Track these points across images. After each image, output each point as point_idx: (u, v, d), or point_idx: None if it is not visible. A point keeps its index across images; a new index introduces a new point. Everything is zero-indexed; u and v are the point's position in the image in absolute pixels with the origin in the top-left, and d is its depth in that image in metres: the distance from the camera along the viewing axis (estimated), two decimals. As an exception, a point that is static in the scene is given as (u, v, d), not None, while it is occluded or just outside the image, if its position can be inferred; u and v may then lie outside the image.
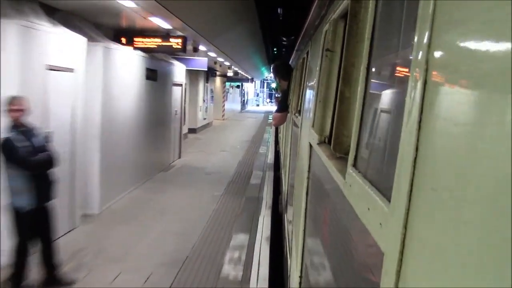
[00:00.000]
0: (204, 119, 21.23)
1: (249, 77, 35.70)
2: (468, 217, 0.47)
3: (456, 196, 0.51)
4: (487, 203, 0.43)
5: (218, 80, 28.42)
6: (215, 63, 16.74)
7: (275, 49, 33.24)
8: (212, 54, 12.13)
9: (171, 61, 10.09)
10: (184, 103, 14.32)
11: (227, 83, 30.24)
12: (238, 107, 39.29)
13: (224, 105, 29.71)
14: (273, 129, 20.01)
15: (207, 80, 21.84)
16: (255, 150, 14.03)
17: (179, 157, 11.13)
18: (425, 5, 0.66)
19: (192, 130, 18.16)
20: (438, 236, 0.56)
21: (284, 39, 17.35)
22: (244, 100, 45.15)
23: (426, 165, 0.61)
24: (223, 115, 29.64)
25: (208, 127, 22.20)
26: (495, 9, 0.45)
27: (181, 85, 11.06)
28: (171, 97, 10.08)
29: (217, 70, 23.60)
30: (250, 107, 54.03)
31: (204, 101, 20.94)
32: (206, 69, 12.67)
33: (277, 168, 10.72)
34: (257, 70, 32.57)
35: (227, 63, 17.45)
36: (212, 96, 24.69)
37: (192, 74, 17.50)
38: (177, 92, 10.79)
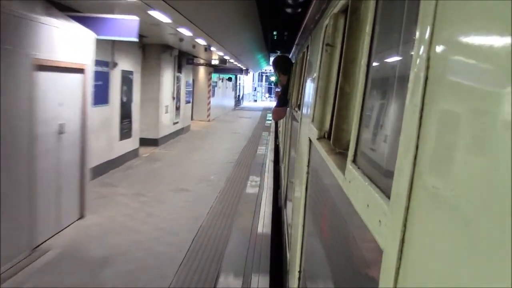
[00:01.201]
0: (175, 123, 16.80)
1: (243, 68, 30.85)
2: (468, 216, 0.50)
3: (457, 195, 0.54)
4: (488, 202, 0.46)
5: (201, 70, 24.18)
6: (181, 40, 12.21)
7: (275, 32, 28.81)
8: (165, 19, 7.53)
9: (36, 15, 5.16)
10: (126, 101, 10.64)
11: (214, 75, 26.05)
12: (231, 103, 36.57)
13: (209, 103, 24.92)
14: (271, 137, 16.66)
15: (179, 68, 17.04)
16: (240, 187, 8.89)
17: (81, 216, 6.31)
18: (427, 1, 0.69)
19: (149, 142, 13.84)
20: (438, 234, 0.58)
21: (291, 2, 13.45)
22: (239, 95, 43.45)
23: (426, 163, 0.64)
24: (208, 115, 24.98)
25: (181, 134, 17.76)
26: (498, 5, 0.48)
27: (81, 70, 6.24)
28: (28, 98, 5.08)
29: (196, 56, 18.98)
30: (246, 103, 52.70)
31: (174, 98, 16.16)
32: (135, 39, 7.02)
33: (276, 161, 10.51)
34: (253, 59, 28.47)
35: (201, 41, 12.79)
36: (191, 91, 20.09)
37: (150, 58, 13.56)
38: (62, 85, 5.81)
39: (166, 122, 14.82)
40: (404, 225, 0.68)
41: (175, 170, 10.44)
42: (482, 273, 0.45)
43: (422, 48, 0.68)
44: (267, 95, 66.05)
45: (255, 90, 63.97)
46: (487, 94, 0.49)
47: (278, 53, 30.13)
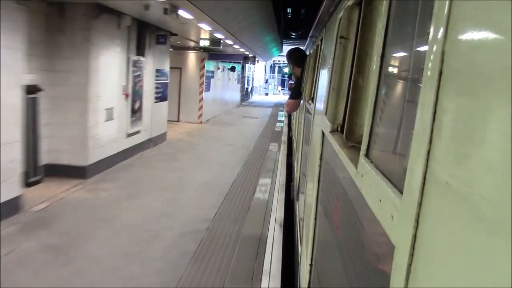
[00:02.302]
0: (132, 135, 11.15)
1: (249, 55, 25.54)
2: (482, 212, 0.54)
3: (470, 191, 0.58)
4: (502, 198, 0.50)
5: (191, 56, 18.79)
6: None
7: (289, 10, 23.07)
8: None
9: None
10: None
11: (210, 63, 20.62)
12: (235, 98, 32.41)
13: (201, 99, 19.62)
14: (283, 152, 11.85)
15: (139, 49, 11.14)
16: None
17: None
18: None
19: (73, 173, 8.55)
20: (451, 231, 0.63)
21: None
22: (246, 89, 39.14)
23: (440, 158, 0.69)
24: (199, 116, 19.52)
25: (147, 148, 12.13)
26: None
27: None
28: None
29: (174, 34, 13.37)
30: (256, 97, 48.18)
31: (127, 96, 10.59)
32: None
33: (289, 154, 10.24)
34: (261, 43, 22.91)
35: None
36: (164, 85, 14.10)
37: (72, 28, 8.42)
38: None
39: (109, 134, 10.37)
40: (417, 221, 0.73)
41: (53, 273, 5.02)
42: (496, 270, 0.49)
43: (436, 42, 0.74)
44: (279, 88, 63.71)
45: (266, 82, 61.52)
46: (502, 90, 0.53)
47: (293, 37, 26.44)
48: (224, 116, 24.08)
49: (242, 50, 21.75)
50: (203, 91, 20.27)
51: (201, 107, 20.16)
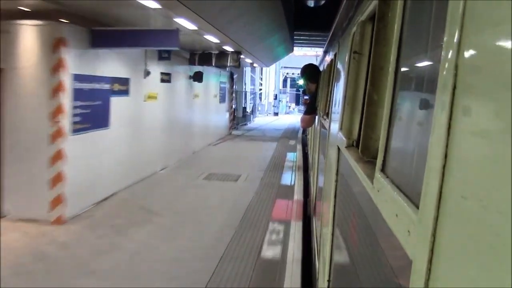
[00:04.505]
0: None
1: (224, 46, 13.99)
2: (499, 227, 0.56)
3: (487, 206, 0.61)
4: None
5: (28, 39, 7.33)
6: None
7: None
8: None
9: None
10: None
11: (110, 59, 8.82)
12: (218, 125, 21.79)
13: (59, 154, 7.37)
14: None
15: None
16: None
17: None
18: (455, 6, 0.78)
19: None
20: (467, 245, 0.65)
21: None
22: (244, 108, 31.47)
23: (455, 172, 0.72)
24: (56, 202, 7.36)
25: None
26: None
27: None
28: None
29: None
30: (260, 118, 39.15)
31: None
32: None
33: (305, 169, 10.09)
34: (256, 34, 14.86)
35: None
36: None
37: None
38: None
39: None
40: (434, 236, 0.74)
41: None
42: None
43: (449, 54, 0.76)
44: (292, 105, 55.50)
45: (276, 98, 51.92)
46: None
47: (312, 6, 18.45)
48: (168, 175, 11.46)
49: (184, 23, 8.64)
50: (64, 132, 7.41)
51: (57, 177, 7.38)
